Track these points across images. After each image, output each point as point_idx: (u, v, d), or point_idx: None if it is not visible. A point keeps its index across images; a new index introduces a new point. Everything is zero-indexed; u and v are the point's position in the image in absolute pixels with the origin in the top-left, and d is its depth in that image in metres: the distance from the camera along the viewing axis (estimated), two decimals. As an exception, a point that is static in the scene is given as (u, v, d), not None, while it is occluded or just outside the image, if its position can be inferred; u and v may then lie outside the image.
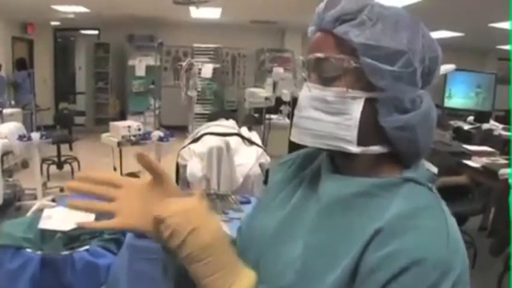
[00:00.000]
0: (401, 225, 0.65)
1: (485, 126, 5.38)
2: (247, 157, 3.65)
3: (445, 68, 4.06)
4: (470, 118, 6.04)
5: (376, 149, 0.74)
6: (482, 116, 5.91)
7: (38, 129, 5.31)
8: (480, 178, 3.84)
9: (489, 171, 3.60)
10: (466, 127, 5.63)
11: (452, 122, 5.72)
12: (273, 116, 6.24)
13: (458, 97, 7.20)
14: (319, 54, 0.74)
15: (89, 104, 9.94)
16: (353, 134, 0.72)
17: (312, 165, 0.86)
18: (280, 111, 6.50)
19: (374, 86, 0.71)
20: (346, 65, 0.71)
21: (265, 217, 0.84)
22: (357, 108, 0.72)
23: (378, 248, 0.64)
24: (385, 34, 0.70)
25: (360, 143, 0.72)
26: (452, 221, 0.68)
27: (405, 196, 0.70)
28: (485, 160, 3.86)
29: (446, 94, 7.32)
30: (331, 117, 0.73)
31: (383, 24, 0.71)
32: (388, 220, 0.66)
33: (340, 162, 0.78)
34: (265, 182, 3.98)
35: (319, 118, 0.74)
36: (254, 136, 4.14)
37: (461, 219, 3.91)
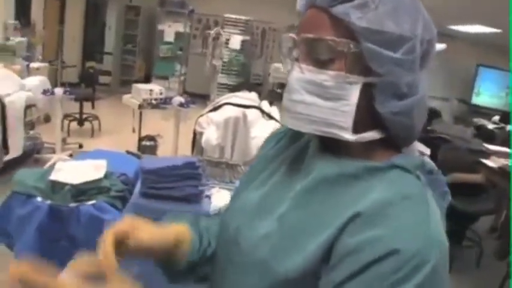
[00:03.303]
0: (381, 212, 0.64)
1: (509, 127, 5.26)
2: (264, 131, 3.63)
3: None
4: (496, 118, 5.92)
5: (370, 135, 0.71)
6: (508, 117, 5.76)
7: (63, 85, 5.38)
8: (495, 178, 3.78)
9: (505, 173, 3.53)
10: (490, 126, 5.52)
11: (476, 120, 5.61)
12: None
13: (487, 95, 7.01)
14: (313, 35, 0.69)
15: (116, 65, 10.00)
16: (349, 121, 0.69)
17: (295, 144, 0.85)
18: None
19: (371, 71, 0.68)
20: (345, 49, 0.67)
21: (249, 191, 0.84)
22: (354, 94, 0.68)
23: (355, 232, 0.64)
24: (388, 18, 0.67)
25: (354, 129, 0.70)
26: (435, 212, 0.67)
27: (390, 182, 0.68)
28: (503, 161, 3.78)
29: (475, 90, 7.13)
30: (326, 102, 0.69)
31: (384, 6, 0.67)
32: (368, 205, 0.65)
33: (330, 144, 0.75)
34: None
35: (313, 103, 0.70)
36: (274, 111, 4.12)
37: (471, 218, 3.87)
